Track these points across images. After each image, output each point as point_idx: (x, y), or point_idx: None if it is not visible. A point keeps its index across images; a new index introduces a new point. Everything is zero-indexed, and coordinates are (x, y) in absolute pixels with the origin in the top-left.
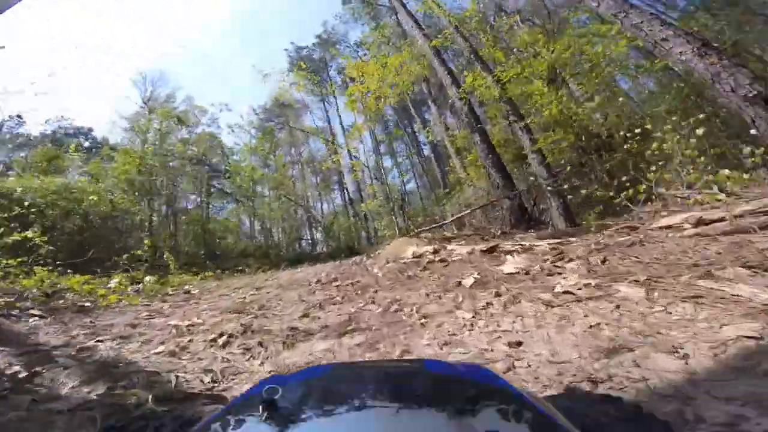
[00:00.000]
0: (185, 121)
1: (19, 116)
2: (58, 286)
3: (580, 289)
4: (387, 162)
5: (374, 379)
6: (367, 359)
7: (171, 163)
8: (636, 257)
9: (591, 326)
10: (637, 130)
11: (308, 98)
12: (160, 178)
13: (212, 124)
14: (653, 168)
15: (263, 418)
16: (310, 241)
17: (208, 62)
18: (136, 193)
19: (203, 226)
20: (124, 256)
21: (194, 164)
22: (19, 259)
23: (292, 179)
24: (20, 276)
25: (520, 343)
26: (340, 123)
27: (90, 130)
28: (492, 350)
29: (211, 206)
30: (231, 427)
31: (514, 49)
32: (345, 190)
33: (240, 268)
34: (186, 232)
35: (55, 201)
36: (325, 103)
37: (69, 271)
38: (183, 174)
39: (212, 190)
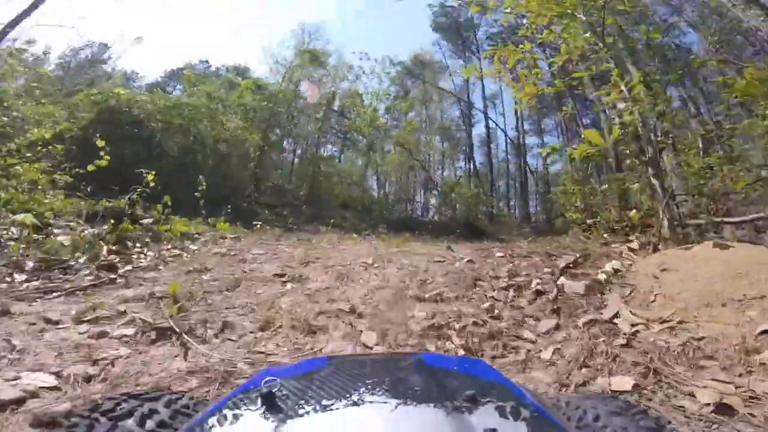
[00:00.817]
0: (320, 59)
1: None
2: None
3: None
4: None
5: (372, 373)
6: (365, 352)
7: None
8: None
9: None
10: None
11: (450, 61)
12: (281, 110)
13: (356, 81)
14: None
15: (262, 411)
16: (421, 205)
17: (362, 17)
18: (252, 122)
19: (313, 166)
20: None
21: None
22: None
23: (417, 139)
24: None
25: None
26: (482, 88)
27: (246, 68)
28: None
29: (332, 150)
30: (230, 420)
31: None
32: (472, 160)
33: (330, 221)
34: (299, 172)
35: (164, 117)
36: (466, 65)
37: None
38: (306, 114)
39: (331, 130)
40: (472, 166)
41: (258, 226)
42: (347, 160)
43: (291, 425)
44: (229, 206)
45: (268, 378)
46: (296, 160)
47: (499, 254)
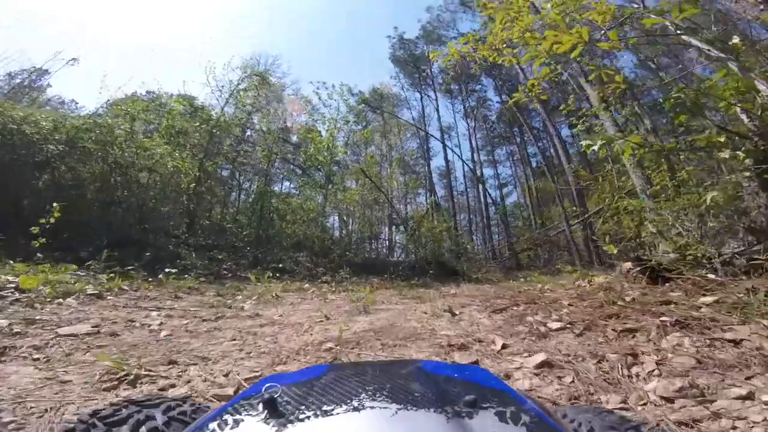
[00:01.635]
0: (271, 84)
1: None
2: None
3: None
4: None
5: (373, 380)
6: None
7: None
8: None
9: None
10: None
11: (406, 93)
12: (224, 137)
13: (313, 113)
14: None
15: (263, 417)
16: (386, 243)
17: (314, 45)
18: (184, 148)
19: (262, 202)
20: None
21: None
22: None
23: (378, 172)
24: None
25: None
26: (439, 120)
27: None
28: None
29: (289, 187)
30: (230, 426)
31: None
32: (434, 193)
33: (279, 266)
34: (247, 209)
35: (70, 139)
36: (423, 100)
37: None
38: (257, 144)
39: (287, 166)
40: (435, 199)
41: (162, 276)
42: (304, 198)
43: (292, 431)
44: (147, 251)
45: (269, 384)
46: (243, 196)
47: (537, 318)
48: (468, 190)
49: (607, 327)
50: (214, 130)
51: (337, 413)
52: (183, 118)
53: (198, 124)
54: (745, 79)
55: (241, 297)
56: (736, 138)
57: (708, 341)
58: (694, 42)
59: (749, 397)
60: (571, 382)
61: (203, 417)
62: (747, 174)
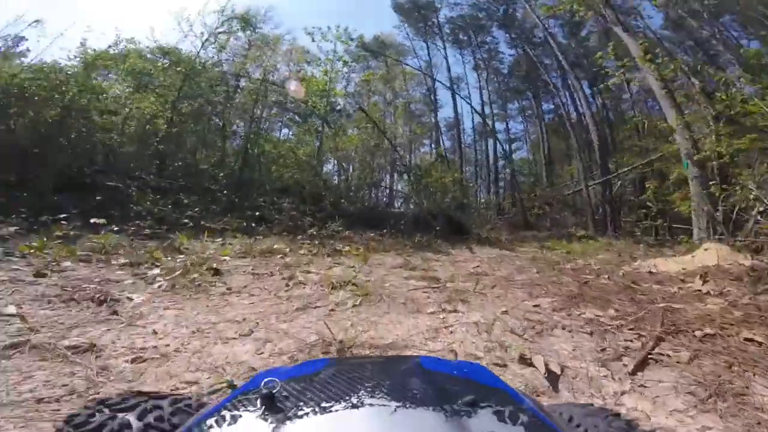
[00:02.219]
0: (249, 22)
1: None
2: None
3: None
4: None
5: (372, 376)
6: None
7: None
8: None
9: None
10: None
11: (413, 42)
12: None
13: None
14: None
15: (261, 412)
16: (387, 192)
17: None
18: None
19: (248, 142)
20: None
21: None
22: None
23: (383, 118)
24: None
25: None
26: (448, 69)
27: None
28: None
29: (287, 134)
30: (228, 421)
31: None
32: (440, 143)
33: (255, 214)
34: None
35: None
36: (429, 49)
37: None
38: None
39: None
40: (442, 150)
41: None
42: (298, 142)
43: (290, 426)
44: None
45: (267, 379)
46: (238, 141)
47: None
48: (476, 143)
49: None
50: (188, 72)
51: (336, 410)
52: (149, 61)
53: (167, 65)
54: None
55: (157, 272)
56: None
57: None
58: None
59: None
60: None
61: (202, 412)
62: None
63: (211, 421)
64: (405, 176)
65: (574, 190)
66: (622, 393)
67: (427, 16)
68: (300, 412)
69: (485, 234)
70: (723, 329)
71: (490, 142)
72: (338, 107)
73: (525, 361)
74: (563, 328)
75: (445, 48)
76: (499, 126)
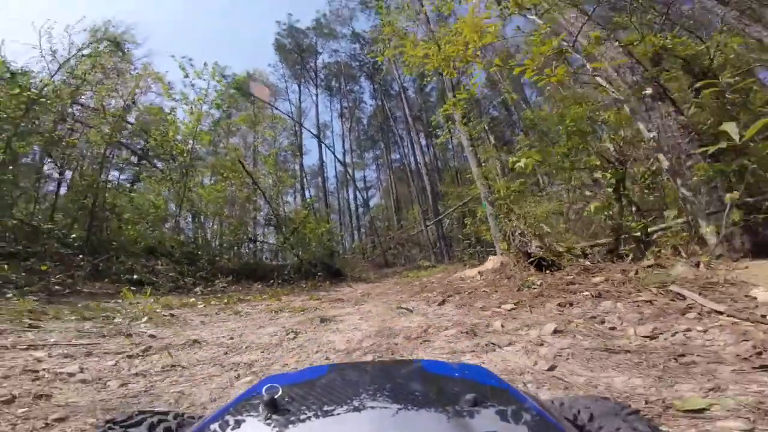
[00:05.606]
0: (120, 46)
1: None
2: None
3: None
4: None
5: (373, 380)
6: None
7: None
8: None
9: None
10: None
11: (287, 83)
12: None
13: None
14: None
15: (264, 417)
16: (263, 245)
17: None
18: None
19: (94, 196)
20: None
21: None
22: None
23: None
24: None
25: None
26: (317, 116)
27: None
28: None
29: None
30: (231, 426)
31: None
32: (306, 192)
33: (131, 277)
34: (68, 206)
35: None
36: (301, 93)
37: None
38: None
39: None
40: (312, 199)
41: None
42: (148, 192)
43: (293, 430)
44: None
45: (269, 385)
46: (63, 189)
47: (485, 304)
48: (338, 191)
49: (546, 303)
50: (33, 104)
51: (338, 413)
52: None
53: (10, 91)
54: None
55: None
56: (606, 162)
57: (630, 304)
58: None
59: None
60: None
61: (205, 418)
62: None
63: (214, 426)
64: (277, 230)
65: (418, 230)
66: (434, 312)
67: (305, 59)
68: (302, 417)
69: (357, 275)
70: (475, 290)
71: (351, 189)
72: (198, 153)
73: (401, 308)
74: (413, 300)
75: (317, 94)
76: (359, 174)
